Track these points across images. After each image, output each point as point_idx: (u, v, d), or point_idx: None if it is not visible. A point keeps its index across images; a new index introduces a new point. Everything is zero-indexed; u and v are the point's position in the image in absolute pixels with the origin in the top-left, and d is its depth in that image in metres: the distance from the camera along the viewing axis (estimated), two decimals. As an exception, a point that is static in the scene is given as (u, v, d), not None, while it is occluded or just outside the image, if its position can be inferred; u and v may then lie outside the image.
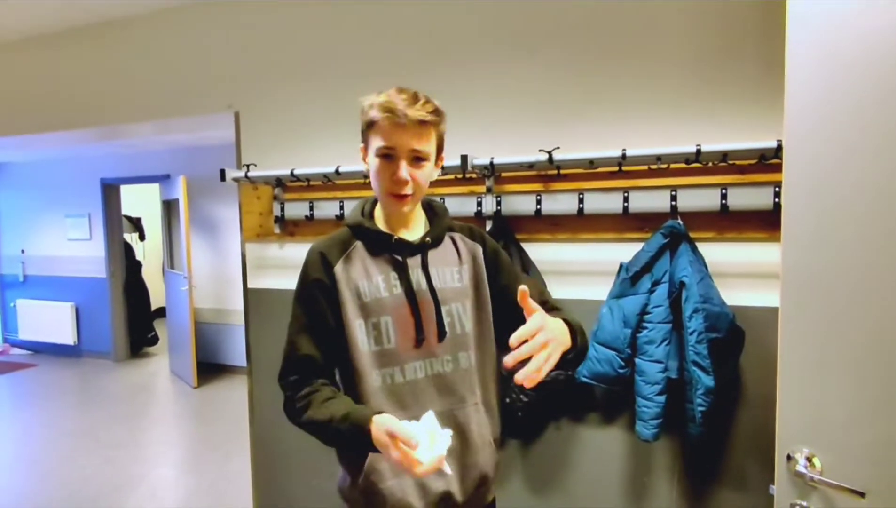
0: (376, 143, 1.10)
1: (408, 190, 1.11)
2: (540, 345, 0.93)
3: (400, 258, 1.16)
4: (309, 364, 1.14)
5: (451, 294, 1.19)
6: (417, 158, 1.10)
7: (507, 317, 1.15)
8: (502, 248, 1.90)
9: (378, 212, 1.21)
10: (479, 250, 1.24)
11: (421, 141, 1.09)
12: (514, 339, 0.91)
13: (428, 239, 1.18)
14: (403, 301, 1.14)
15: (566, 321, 1.10)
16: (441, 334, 1.16)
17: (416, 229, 1.21)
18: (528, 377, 0.91)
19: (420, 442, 0.92)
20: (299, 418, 1.12)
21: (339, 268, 1.14)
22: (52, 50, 3.01)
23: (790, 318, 1.13)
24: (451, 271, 1.21)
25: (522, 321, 0.97)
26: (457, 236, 1.25)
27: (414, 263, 1.17)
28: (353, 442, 1.03)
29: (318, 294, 1.14)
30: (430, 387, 1.16)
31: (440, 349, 1.17)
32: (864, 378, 1.03)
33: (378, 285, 1.14)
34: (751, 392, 1.81)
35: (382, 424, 0.97)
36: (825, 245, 1.08)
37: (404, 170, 1.09)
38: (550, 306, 1.22)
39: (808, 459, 1.08)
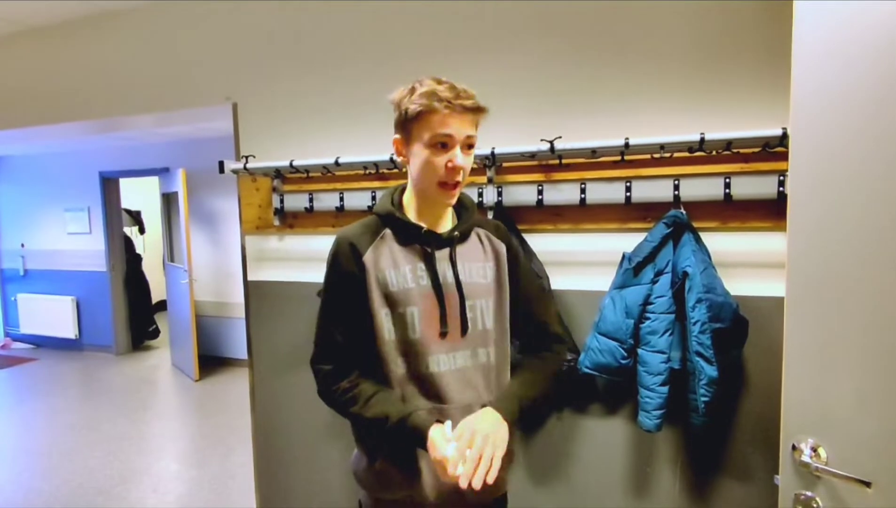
0: (429, 131, 1.08)
1: (460, 178, 1.11)
2: (476, 458, 1.00)
3: (429, 250, 1.16)
4: (340, 352, 1.17)
5: (476, 290, 1.19)
6: (469, 146, 1.11)
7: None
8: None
9: (407, 202, 1.21)
10: (504, 249, 1.25)
11: (473, 128, 1.11)
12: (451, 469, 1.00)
13: (457, 233, 1.18)
14: (430, 293, 1.15)
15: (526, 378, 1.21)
16: (464, 328, 1.17)
17: (444, 221, 1.21)
18: (479, 479, 0.99)
19: (458, 466, 1.01)
20: (343, 409, 1.16)
21: (368, 257, 1.15)
22: (49, 42, 2.98)
23: (796, 308, 1.12)
24: (478, 267, 1.21)
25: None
26: (483, 232, 1.26)
27: (442, 255, 1.17)
28: (406, 441, 1.09)
29: (347, 282, 1.16)
30: (453, 380, 1.17)
31: (462, 343, 1.18)
32: (869, 368, 1.02)
33: (405, 276, 1.15)
34: (754, 382, 1.80)
35: (434, 440, 1.05)
36: (831, 234, 1.06)
37: (460, 157, 1.09)
38: (548, 332, 1.28)
39: (814, 449, 1.08)
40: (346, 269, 1.15)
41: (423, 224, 1.17)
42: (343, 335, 1.17)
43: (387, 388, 1.16)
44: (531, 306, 1.28)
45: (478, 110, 1.10)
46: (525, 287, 1.28)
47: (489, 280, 1.21)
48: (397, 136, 1.15)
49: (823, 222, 1.07)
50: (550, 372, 1.26)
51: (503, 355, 1.24)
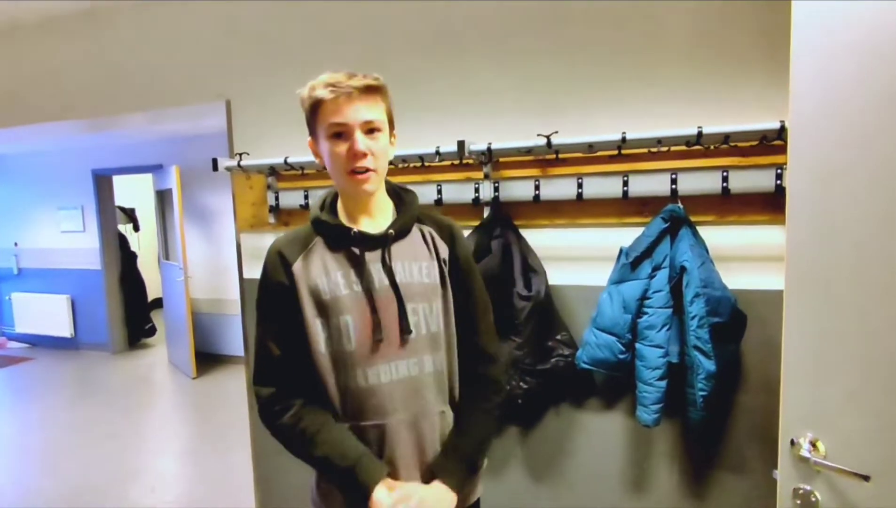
0: (325, 123, 1.04)
1: (368, 163, 1.04)
2: None
3: (357, 252, 1.09)
4: (278, 371, 1.11)
5: (418, 291, 1.11)
6: (371, 130, 1.05)
7: None
8: (499, 235, 1.91)
9: (340, 204, 1.15)
10: (447, 252, 1.17)
11: (371, 110, 1.04)
12: None
13: (391, 232, 1.11)
14: (364, 299, 1.08)
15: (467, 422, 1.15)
16: (404, 334, 1.09)
17: (381, 219, 1.14)
18: None
19: None
20: (287, 446, 1.12)
21: (297, 266, 1.09)
22: (40, 40, 2.94)
23: (795, 301, 1.11)
24: (420, 267, 1.12)
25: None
26: (427, 229, 1.17)
27: (375, 257, 1.10)
28: (350, 488, 1.07)
29: (278, 296, 1.10)
30: (395, 392, 1.09)
31: (405, 351, 1.10)
32: (868, 362, 1.02)
33: (337, 283, 1.08)
34: (752, 377, 1.81)
35: (377, 502, 1.04)
36: (831, 227, 1.06)
37: (360, 141, 1.03)
38: (482, 352, 1.19)
39: (812, 443, 1.07)
40: (275, 280, 1.10)
41: (353, 226, 1.10)
42: (280, 350, 1.10)
43: (330, 422, 1.09)
44: (470, 320, 1.18)
45: (369, 90, 1.03)
46: (465, 295, 1.17)
47: (433, 280, 1.13)
48: (309, 137, 1.12)
49: (822, 215, 1.07)
50: (490, 411, 1.17)
51: (454, 359, 1.16)
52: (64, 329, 6.30)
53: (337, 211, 1.14)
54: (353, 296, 1.08)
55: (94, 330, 6.24)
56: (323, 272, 1.09)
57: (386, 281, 1.09)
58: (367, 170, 1.05)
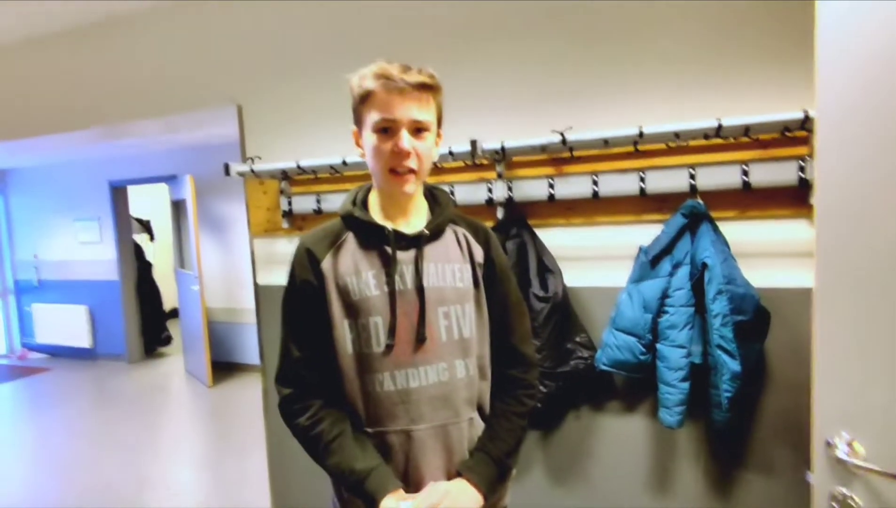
0: (373, 116, 1.01)
1: (411, 163, 1.01)
2: None
3: (389, 251, 1.05)
4: (300, 372, 1.08)
5: (451, 294, 1.07)
6: (419, 130, 1.01)
7: None
8: (514, 235, 1.88)
9: (373, 200, 1.11)
10: (482, 255, 1.13)
11: (422, 109, 1.01)
12: None
13: (426, 231, 1.07)
14: (395, 299, 1.05)
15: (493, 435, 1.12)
16: (420, 338, 1.04)
17: (416, 219, 1.10)
18: None
19: None
20: (303, 447, 1.10)
21: (326, 264, 1.06)
22: (53, 51, 2.98)
23: (826, 297, 1.07)
24: (453, 269, 1.09)
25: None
26: (461, 230, 1.14)
27: (408, 257, 1.06)
28: (356, 495, 1.04)
29: (305, 295, 1.07)
30: (423, 398, 1.05)
31: (434, 354, 1.06)
32: (908, 358, 0.97)
33: (368, 283, 1.04)
34: (778, 376, 1.75)
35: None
36: (862, 220, 1.01)
37: (406, 140, 0.99)
38: (519, 353, 1.15)
39: (849, 444, 1.03)
40: (303, 278, 1.07)
41: (388, 224, 1.06)
42: (303, 351, 1.07)
43: (347, 429, 1.06)
44: (506, 325, 1.15)
45: (423, 88, 1.00)
46: (501, 300, 1.14)
47: (466, 283, 1.09)
48: (354, 127, 1.08)
49: (853, 208, 1.02)
50: (523, 415, 1.14)
51: (485, 365, 1.13)
52: (83, 340, 6.37)
53: (368, 207, 1.10)
54: (384, 297, 1.04)
55: (112, 340, 6.29)
56: (353, 271, 1.05)
57: (417, 284, 1.06)
58: (410, 171, 1.02)
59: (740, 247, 1.71)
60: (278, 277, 2.50)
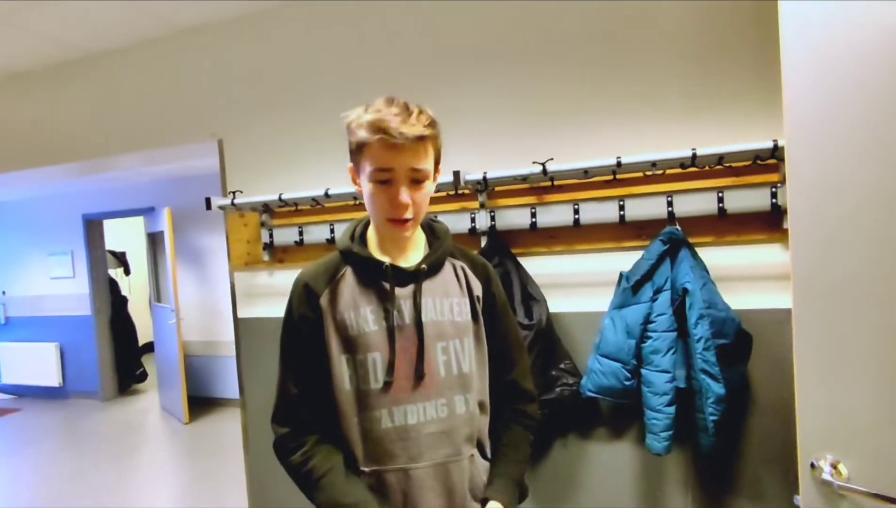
0: (369, 166, 0.99)
1: (408, 214, 1.00)
2: None
3: (388, 287, 1.05)
4: (297, 411, 1.07)
5: (449, 329, 1.06)
6: (417, 180, 1.00)
7: None
8: (497, 264, 1.89)
9: (371, 235, 1.10)
10: (481, 289, 1.12)
11: (420, 160, 0.99)
12: None
13: (424, 266, 1.06)
14: (393, 335, 1.04)
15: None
16: (419, 374, 1.03)
17: (414, 253, 1.10)
18: None
19: None
20: (291, 473, 1.07)
21: (324, 299, 1.05)
22: (33, 87, 2.96)
23: (804, 320, 1.09)
24: (451, 303, 1.08)
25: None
26: (459, 264, 1.13)
27: (406, 292, 1.05)
28: None
29: (303, 330, 1.06)
30: (422, 435, 1.03)
31: (433, 390, 1.04)
32: (887, 378, 0.99)
33: (366, 318, 1.03)
34: (762, 399, 1.77)
35: None
36: (835, 243, 1.05)
37: (404, 194, 0.98)
38: (520, 389, 1.16)
39: (834, 466, 1.04)
40: (300, 313, 1.06)
41: (386, 259, 1.06)
42: (300, 388, 1.06)
43: (338, 466, 1.04)
44: (507, 360, 1.15)
45: (422, 139, 0.97)
46: (502, 335, 1.14)
47: (465, 317, 1.08)
48: (350, 164, 1.07)
49: (826, 231, 1.06)
50: (529, 441, 1.16)
51: (485, 400, 1.11)
52: (52, 378, 6.15)
53: (366, 241, 1.10)
54: (382, 332, 1.04)
55: (84, 378, 6.08)
56: (351, 306, 1.05)
57: (415, 319, 1.05)
58: (407, 220, 1.01)
59: (718, 271, 1.75)
60: (259, 310, 2.47)
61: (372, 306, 1.05)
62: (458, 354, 1.07)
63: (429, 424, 1.04)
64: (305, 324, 1.05)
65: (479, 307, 1.11)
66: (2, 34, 2.51)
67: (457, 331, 1.07)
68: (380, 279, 1.06)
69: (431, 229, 1.15)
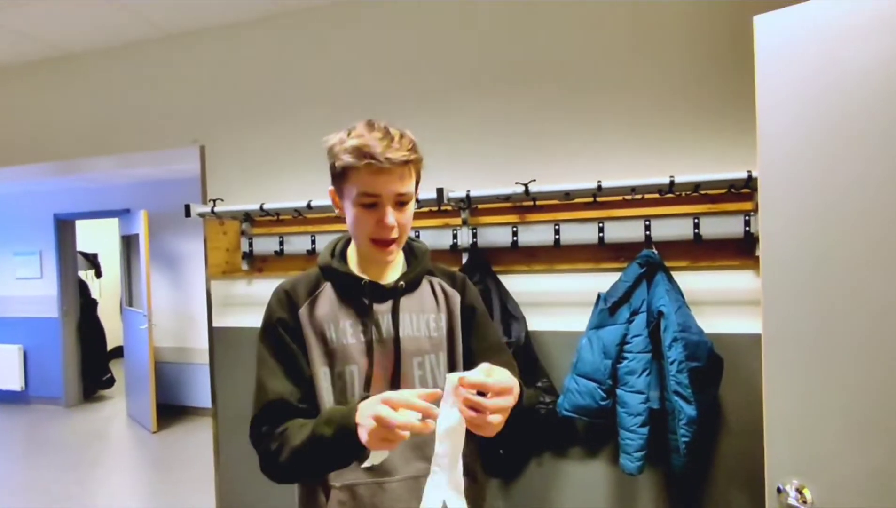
0: (354, 190, 0.99)
1: (394, 235, 1.02)
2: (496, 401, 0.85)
3: (366, 303, 1.06)
4: (280, 408, 1.02)
5: (426, 344, 1.09)
6: (402, 202, 1.02)
7: None
8: (478, 281, 1.90)
9: (351, 252, 1.13)
10: (458, 298, 1.14)
11: (405, 183, 1.00)
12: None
13: (402, 283, 1.08)
14: (371, 349, 1.05)
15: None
16: (394, 389, 1.01)
17: (392, 270, 1.12)
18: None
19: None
20: (278, 460, 0.97)
21: (303, 310, 1.06)
22: (7, 83, 2.89)
23: (773, 346, 1.13)
24: (428, 319, 1.10)
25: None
26: (437, 280, 1.15)
27: (384, 308, 1.07)
28: (344, 448, 0.91)
29: (282, 333, 1.05)
30: (398, 450, 1.00)
31: None
32: (852, 405, 1.03)
33: (345, 331, 1.05)
34: (732, 421, 1.81)
35: (371, 405, 0.86)
36: (804, 270, 1.09)
37: (391, 216, 1.00)
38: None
39: (799, 490, 1.07)
40: (279, 316, 1.06)
41: (364, 276, 1.08)
42: (282, 392, 1.02)
43: (309, 421, 0.98)
44: (488, 361, 1.14)
45: (407, 164, 0.99)
46: (482, 340, 1.15)
47: (441, 333, 1.11)
48: (331, 187, 1.07)
49: (795, 259, 1.10)
50: (531, 399, 1.16)
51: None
52: (13, 382, 5.93)
53: (346, 257, 1.12)
54: (360, 346, 1.05)
55: (47, 383, 5.88)
56: (331, 319, 1.06)
57: (393, 335, 1.06)
58: (392, 241, 1.03)
59: (693, 295, 1.79)
60: (235, 319, 2.43)
61: (351, 320, 1.06)
62: (434, 369, 1.09)
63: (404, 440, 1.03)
64: (286, 327, 1.06)
65: (458, 319, 1.13)
66: (-22, 30, 2.45)
67: (433, 346, 1.10)
68: (359, 295, 1.08)
69: (411, 249, 1.16)
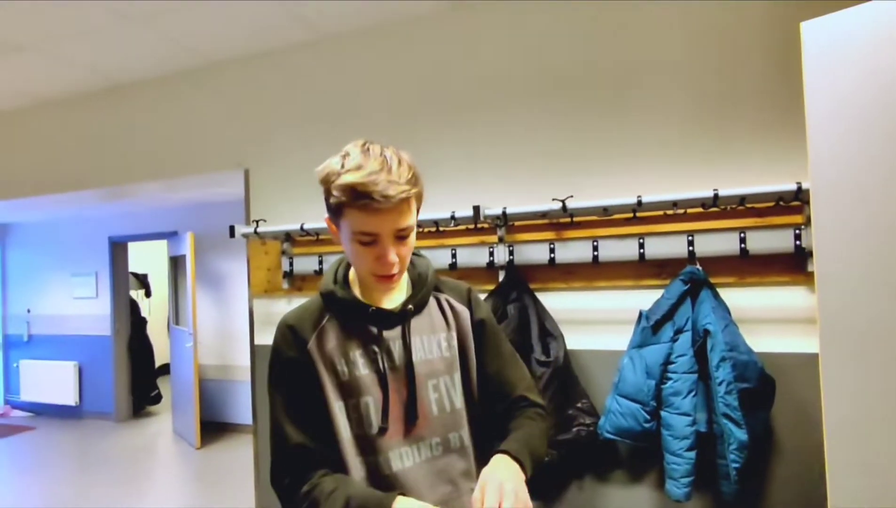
0: (351, 227, 0.93)
1: (395, 270, 0.97)
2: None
3: (375, 331, 1.01)
4: (301, 457, 1.00)
5: (439, 366, 1.04)
6: (402, 236, 0.96)
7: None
8: (515, 299, 1.88)
9: (353, 275, 1.07)
10: (467, 313, 1.09)
11: (404, 219, 0.94)
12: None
13: (410, 307, 1.03)
14: (384, 379, 1.00)
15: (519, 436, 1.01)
16: (411, 417, 1.00)
17: (397, 292, 1.07)
18: None
19: None
20: (302, 504, 0.97)
21: (312, 344, 1.01)
22: (64, 114, 3.08)
23: (832, 367, 1.07)
24: (439, 339, 1.06)
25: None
26: (444, 296, 1.10)
27: (394, 334, 1.02)
28: None
29: (294, 373, 1.01)
30: (421, 476, 1.00)
31: (427, 430, 1.01)
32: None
33: (356, 362, 1.00)
34: (786, 446, 1.71)
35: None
36: (864, 287, 1.03)
37: (392, 254, 0.94)
38: (526, 401, 1.08)
39: (865, 523, 1.00)
40: (289, 356, 1.01)
41: (369, 302, 1.02)
42: (302, 434, 0.99)
43: (348, 480, 0.98)
44: (502, 375, 1.10)
45: (407, 200, 0.92)
46: (496, 355, 1.10)
47: (453, 352, 1.06)
48: (327, 216, 1.00)
49: (854, 275, 1.04)
50: (544, 429, 1.07)
51: (476, 433, 1.07)
52: (69, 397, 6.19)
53: (349, 282, 1.07)
54: (373, 376, 1.01)
55: (100, 398, 6.12)
56: (339, 351, 1.01)
57: (405, 361, 1.02)
58: (393, 275, 0.98)
59: (740, 313, 1.72)
60: (276, 337, 2.47)
61: (361, 349, 1.01)
62: (450, 390, 1.05)
63: (424, 464, 1.01)
64: (296, 366, 1.01)
65: (469, 333, 1.09)
66: (39, 63, 2.62)
67: (447, 367, 1.05)
68: (366, 323, 1.03)
69: (413, 265, 1.10)
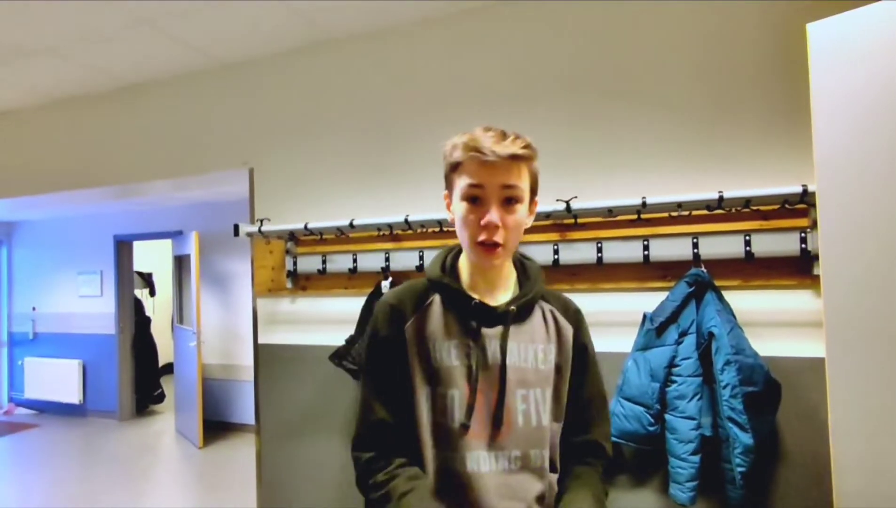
0: (462, 183, 0.97)
1: (498, 238, 0.95)
2: None
3: (475, 326, 1.00)
4: (384, 434, 1.01)
5: (531, 377, 1.00)
6: (509, 199, 0.96)
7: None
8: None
9: (462, 264, 1.06)
10: (570, 332, 1.05)
11: (511, 176, 0.96)
12: None
13: (513, 308, 1.01)
14: (475, 376, 0.99)
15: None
16: (496, 422, 0.98)
17: (503, 290, 1.04)
18: None
19: None
20: (372, 495, 1.00)
21: (410, 325, 1.01)
22: (72, 113, 3.10)
23: (839, 371, 1.06)
24: (537, 350, 1.02)
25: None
26: (549, 307, 1.06)
27: (493, 333, 1.00)
28: None
29: (387, 352, 1.02)
30: (493, 486, 0.97)
31: (510, 440, 0.98)
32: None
33: (449, 352, 0.99)
34: (792, 450, 1.70)
35: None
36: (871, 291, 1.02)
37: (494, 214, 0.95)
38: (599, 451, 1.06)
39: (872, 528, 0.99)
40: (385, 334, 1.02)
41: (475, 295, 1.01)
42: (387, 412, 1.00)
43: (422, 487, 0.97)
44: (589, 410, 1.07)
45: (514, 158, 0.95)
46: (588, 389, 1.07)
47: (549, 366, 1.02)
48: (445, 190, 1.04)
49: (860, 277, 1.03)
50: (604, 491, 1.05)
51: (556, 457, 1.04)
52: (73, 395, 6.22)
53: (458, 271, 1.06)
54: (463, 370, 0.99)
55: (103, 397, 6.14)
56: (436, 337, 1.01)
57: (499, 362, 0.99)
58: (497, 245, 0.96)
59: (745, 316, 1.71)
60: (279, 336, 2.48)
61: (456, 340, 1.00)
62: (539, 404, 1.01)
63: (501, 475, 0.98)
64: (391, 345, 1.02)
65: (570, 355, 1.05)
66: (50, 64, 2.65)
67: (539, 379, 1.02)
68: (467, 316, 1.01)
69: (523, 267, 1.08)
